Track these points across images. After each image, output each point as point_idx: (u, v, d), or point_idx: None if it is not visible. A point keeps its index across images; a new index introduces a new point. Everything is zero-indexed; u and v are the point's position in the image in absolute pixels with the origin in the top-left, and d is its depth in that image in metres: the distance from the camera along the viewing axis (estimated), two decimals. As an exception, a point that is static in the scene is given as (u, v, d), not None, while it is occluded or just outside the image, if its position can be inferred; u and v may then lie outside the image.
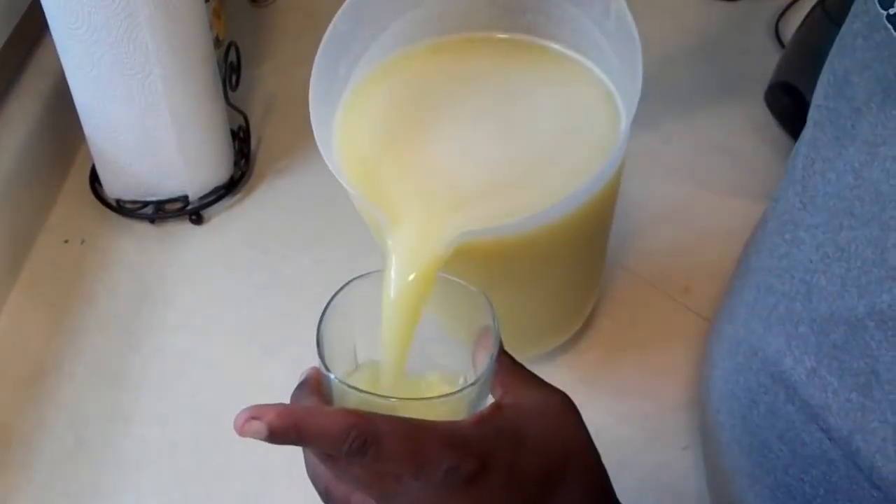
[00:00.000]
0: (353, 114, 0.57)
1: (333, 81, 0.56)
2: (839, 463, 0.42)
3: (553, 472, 0.42)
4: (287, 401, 0.66)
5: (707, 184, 0.82)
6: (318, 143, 0.51)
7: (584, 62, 0.58)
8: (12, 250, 0.75)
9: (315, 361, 0.43)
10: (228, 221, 0.80)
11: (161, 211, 0.79)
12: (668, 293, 0.73)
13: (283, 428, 0.39)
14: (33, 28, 0.84)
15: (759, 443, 0.48)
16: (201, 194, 0.80)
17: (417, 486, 0.40)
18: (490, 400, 0.44)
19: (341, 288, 0.45)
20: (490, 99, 0.57)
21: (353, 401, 0.41)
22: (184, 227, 0.80)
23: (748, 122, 0.87)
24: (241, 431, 0.39)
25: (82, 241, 0.78)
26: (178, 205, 0.80)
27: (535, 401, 0.44)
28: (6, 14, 0.79)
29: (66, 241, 0.79)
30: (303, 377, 0.45)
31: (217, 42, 0.88)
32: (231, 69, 0.83)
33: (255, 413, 0.39)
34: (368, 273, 0.46)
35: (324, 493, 0.44)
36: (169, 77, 0.71)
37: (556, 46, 0.59)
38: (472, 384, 0.42)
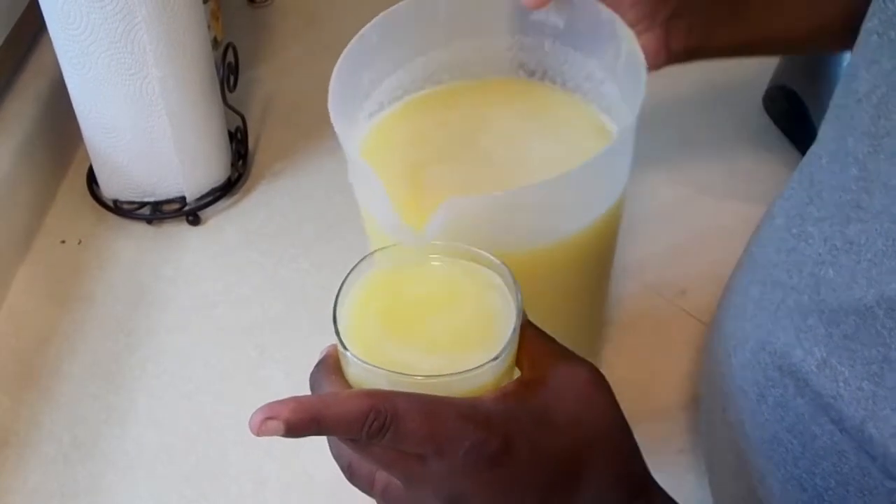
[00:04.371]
0: (374, 142, 0.59)
1: (357, 87, 0.57)
2: (850, 454, 0.42)
3: (581, 452, 0.41)
4: (277, 395, 0.67)
5: (704, 187, 0.82)
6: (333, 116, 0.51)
7: (584, 103, 0.59)
8: (9, 250, 0.75)
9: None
10: (225, 222, 0.80)
11: (158, 212, 0.79)
12: (665, 296, 0.73)
13: (300, 423, 0.38)
14: (31, 28, 0.84)
15: (768, 437, 0.48)
16: (198, 195, 0.80)
17: (440, 466, 0.39)
18: (516, 375, 0.43)
19: (357, 264, 0.44)
20: (501, 141, 0.59)
21: (372, 378, 0.41)
22: (181, 228, 0.79)
23: (746, 125, 0.87)
24: (259, 432, 0.39)
25: (79, 242, 0.78)
26: (176, 206, 0.80)
27: (563, 376, 0.42)
28: (4, 14, 0.79)
29: (64, 242, 0.78)
30: (322, 355, 0.44)
31: (215, 43, 0.88)
32: (229, 70, 0.83)
33: (270, 412, 0.39)
34: (383, 248, 0.46)
35: (347, 471, 0.43)
36: (166, 78, 0.71)
37: (559, 88, 0.61)
38: (494, 358, 0.41)
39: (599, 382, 0.43)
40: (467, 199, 0.46)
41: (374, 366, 0.40)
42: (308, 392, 0.65)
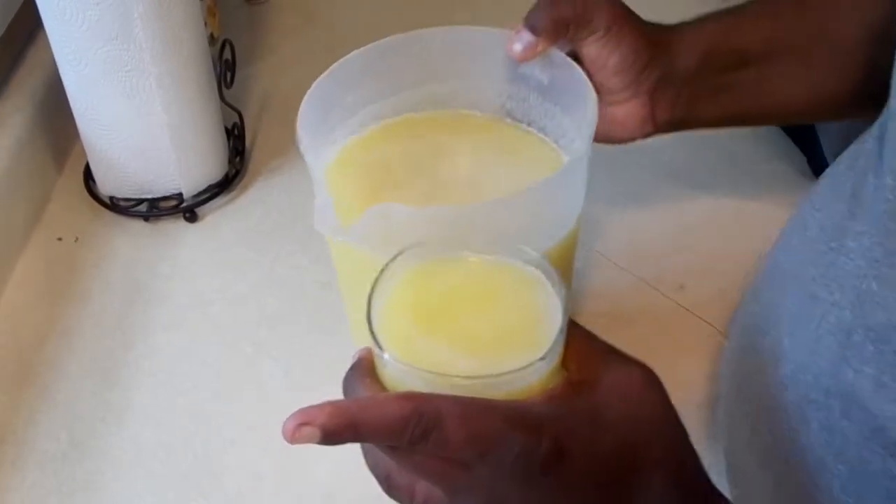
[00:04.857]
0: (339, 164, 0.59)
1: (336, 107, 0.58)
2: None
3: (635, 456, 0.38)
4: (281, 399, 0.67)
5: (701, 183, 0.82)
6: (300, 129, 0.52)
7: (557, 150, 0.60)
8: (6, 247, 0.75)
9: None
10: (222, 219, 0.80)
11: (155, 209, 0.79)
12: (663, 292, 0.73)
13: (337, 429, 0.36)
14: (27, 25, 0.84)
15: (812, 461, 0.45)
16: (195, 192, 0.79)
17: (487, 475, 0.37)
18: (561, 378, 0.41)
19: (389, 262, 0.42)
20: (461, 168, 0.61)
21: (410, 380, 0.38)
22: (178, 225, 0.79)
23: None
24: (293, 439, 0.36)
25: (76, 239, 0.78)
26: (172, 202, 0.79)
27: (614, 377, 0.40)
28: (0, 11, 0.79)
29: (60, 239, 0.78)
30: (355, 359, 0.42)
31: (211, 40, 0.88)
32: (225, 67, 0.83)
33: (304, 418, 0.36)
34: (420, 243, 0.44)
35: (385, 482, 0.41)
36: (163, 75, 0.71)
37: (534, 132, 0.62)
38: (542, 358, 0.38)
39: (653, 382, 0.40)
40: (392, 205, 0.46)
41: (414, 367, 0.38)
42: (301, 394, 0.66)
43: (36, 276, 0.75)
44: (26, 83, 0.81)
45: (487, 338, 0.42)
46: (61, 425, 0.65)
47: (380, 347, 0.39)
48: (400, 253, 0.43)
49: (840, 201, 0.47)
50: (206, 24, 0.78)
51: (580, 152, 0.52)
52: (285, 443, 0.63)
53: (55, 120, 0.81)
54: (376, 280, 0.42)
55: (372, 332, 0.39)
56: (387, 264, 0.42)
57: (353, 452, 0.63)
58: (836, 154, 0.78)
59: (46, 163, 0.82)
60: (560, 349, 0.40)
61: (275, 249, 0.77)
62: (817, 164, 0.81)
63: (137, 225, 0.79)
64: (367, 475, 0.61)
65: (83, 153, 0.79)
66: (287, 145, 0.86)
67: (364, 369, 0.41)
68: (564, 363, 0.41)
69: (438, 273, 0.44)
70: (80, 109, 0.75)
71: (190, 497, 0.61)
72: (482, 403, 0.37)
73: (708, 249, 0.75)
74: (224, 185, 0.81)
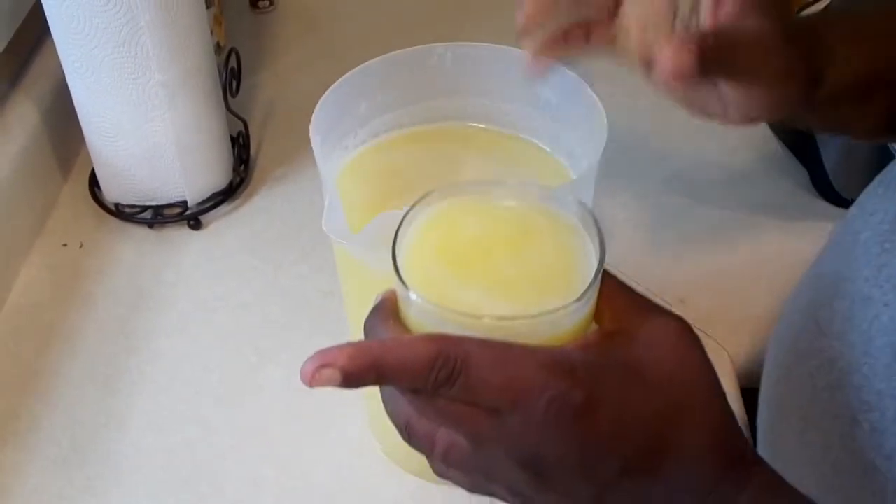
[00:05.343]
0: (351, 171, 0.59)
1: (349, 115, 0.58)
2: None
3: (672, 414, 0.36)
4: (282, 406, 0.67)
5: (703, 198, 0.82)
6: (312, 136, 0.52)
7: (566, 168, 0.60)
8: (11, 253, 0.75)
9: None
10: (227, 227, 0.80)
11: (160, 216, 0.80)
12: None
13: (358, 370, 0.34)
14: (34, 32, 0.84)
15: (862, 464, 0.45)
16: (200, 200, 0.80)
17: (514, 423, 0.34)
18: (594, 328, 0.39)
19: (416, 202, 0.41)
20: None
21: (436, 322, 0.36)
22: (182, 233, 0.80)
23: (746, 133, 0.87)
24: (312, 383, 0.34)
25: (81, 245, 0.79)
26: (177, 210, 0.80)
27: (651, 329, 0.38)
28: (8, 18, 0.79)
29: (65, 245, 0.79)
30: (377, 300, 0.40)
31: (217, 48, 0.88)
32: (231, 75, 0.83)
33: (324, 360, 0.34)
34: (451, 185, 0.42)
35: (404, 429, 0.39)
36: (169, 82, 0.72)
37: (546, 149, 0.61)
38: (578, 299, 0.36)
39: (691, 338, 0.38)
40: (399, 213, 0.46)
41: (442, 307, 0.36)
42: (303, 402, 0.66)
43: (40, 282, 0.76)
44: (33, 90, 0.82)
45: (520, 281, 0.39)
46: (63, 430, 0.65)
47: (405, 286, 0.37)
48: (429, 193, 0.41)
49: (891, 202, 0.47)
50: (212, 32, 0.78)
51: (588, 171, 0.52)
52: (286, 450, 0.63)
53: (61, 127, 0.82)
54: (402, 219, 0.39)
55: (397, 271, 0.37)
56: (414, 204, 0.40)
57: (354, 460, 0.63)
58: (838, 169, 0.79)
59: (52, 169, 0.83)
60: (595, 294, 0.38)
61: (278, 258, 0.77)
62: (819, 179, 0.81)
63: (142, 232, 0.80)
64: (367, 483, 0.62)
65: (89, 160, 0.79)
66: (292, 154, 0.86)
67: (387, 311, 0.39)
68: (597, 316, 0.39)
69: (470, 214, 0.42)
70: (86, 116, 0.75)
71: (191, 503, 0.61)
72: (513, 347, 0.35)
73: (709, 263, 0.75)
74: (228, 193, 0.82)
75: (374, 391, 0.39)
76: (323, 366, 0.34)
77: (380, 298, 0.40)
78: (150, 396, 0.67)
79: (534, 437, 0.35)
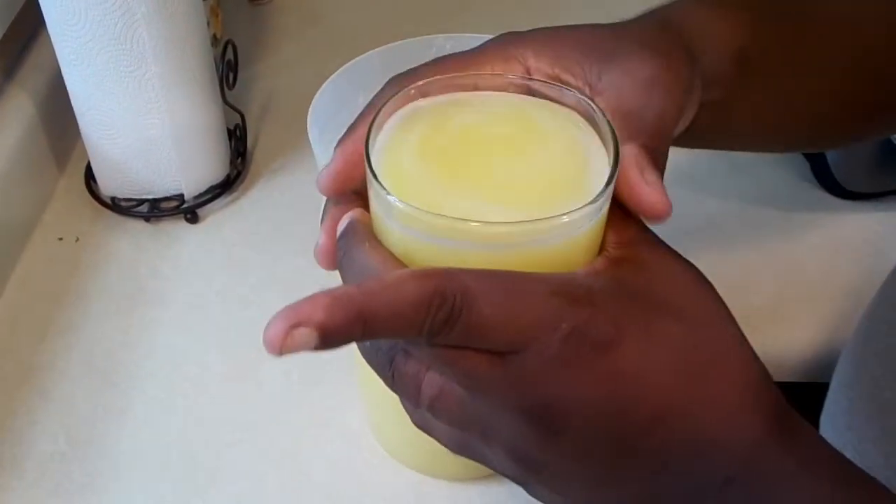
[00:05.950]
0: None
1: (346, 107, 0.57)
2: None
3: (706, 356, 0.30)
4: (280, 400, 0.66)
5: (703, 190, 0.82)
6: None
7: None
8: (6, 247, 0.75)
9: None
10: (224, 220, 0.80)
11: (156, 209, 0.79)
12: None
13: (340, 327, 0.27)
14: (29, 24, 0.84)
15: None
16: (197, 193, 0.79)
17: (526, 364, 0.28)
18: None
19: (396, 94, 0.35)
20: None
21: (426, 239, 0.30)
22: (179, 226, 0.79)
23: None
24: (282, 349, 0.28)
25: (77, 239, 0.78)
26: (174, 203, 0.79)
27: (662, 261, 0.32)
28: (2, 10, 0.79)
29: (61, 239, 0.78)
30: (346, 221, 0.32)
31: (214, 40, 0.88)
32: (228, 67, 0.83)
33: (297, 317, 0.27)
34: (431, 80, 0.36)
35: (389, 371, 0.32)
36: (165, 75, 0.71)
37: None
38: (592, 202, 0.30)
39: (706, 282, 0.33)
40: None
41: (434, 213, 0.29)
42: (301, 396, 0.65)
43: (36, 276, 0.75)
44: (28, 83, 0.81)
45: (523, 184, 0.33)
46: (60, 425, 0.65)
47: (384, 190, 0.30)
48: (407, 72, 0.34)
49: None
50: (208, 24, 0.78)
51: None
52: (285, 445, 0.63)
53: (57, 120, 0.81)
54: (377, 113, 0.33)
55: (372, 171, 0.30)
56: (391, 96, 0.33)
57: (353, 455, 0.63)
58: (840, 161, 0.79)
59: (48, 162, 0.82)
60: (608, 202, 0.32)
61: (276, 251, 0.77)
62: (821, 171, 0.81)
63: (138, 225, 0.79)
64: (367, 481, 0.61)
65: (84, 153, 0.79)
66: (289, 147, 0.86)
67: (361, 233, 0.31)
68: (602, 243, 0.33)
69: (459, 110, 0.35)
70: (81, 109, 0.75)
71: (188, 499, 0.61)
72: (519, 276, 0.28)
73: (710, 256, 0.75)
74: (225, 186, 0.81)
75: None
76: (295, 325, 0.27)
77: (350, 219, 0.32)
78: (147, 391, 0.67)
79: (546, 379, 0.28)
